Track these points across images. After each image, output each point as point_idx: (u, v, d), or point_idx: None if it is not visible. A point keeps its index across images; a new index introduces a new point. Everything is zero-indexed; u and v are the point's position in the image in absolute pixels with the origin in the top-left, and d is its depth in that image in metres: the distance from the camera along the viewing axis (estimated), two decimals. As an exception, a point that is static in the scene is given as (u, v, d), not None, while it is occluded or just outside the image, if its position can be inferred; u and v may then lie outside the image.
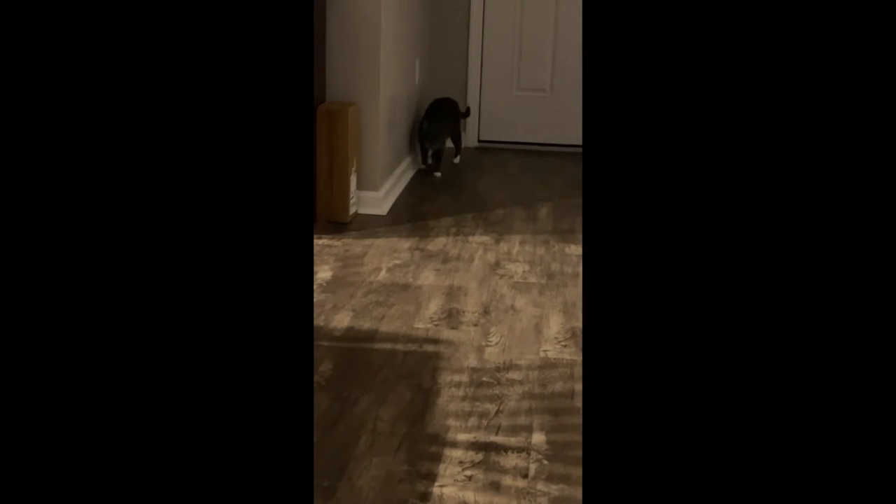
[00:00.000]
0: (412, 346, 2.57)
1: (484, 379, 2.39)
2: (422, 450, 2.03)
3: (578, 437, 2.10)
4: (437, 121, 4.42)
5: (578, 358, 2.52)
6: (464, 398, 2.28)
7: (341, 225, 3.62)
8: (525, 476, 1.94)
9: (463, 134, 4.87)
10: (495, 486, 1.90)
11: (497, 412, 2.21)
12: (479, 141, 5.18)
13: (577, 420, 2.18)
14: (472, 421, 2.17)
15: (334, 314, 2.76)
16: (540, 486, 1.90)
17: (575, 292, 3.02)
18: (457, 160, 4.70)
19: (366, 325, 2.70)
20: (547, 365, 2.48)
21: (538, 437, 2.10)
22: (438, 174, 4.48)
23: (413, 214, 3.84)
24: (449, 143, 4.61)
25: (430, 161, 4.53)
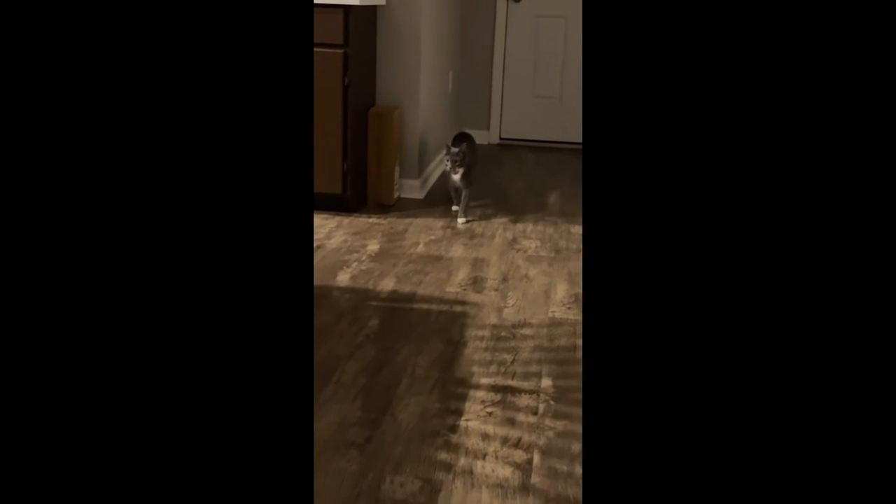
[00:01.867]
0: (444, 307, 2.57)
1: (502, 334, 2.39)
2: (451, 391, 2.04)
3: (579, 383, 2.10)
4: (460, 143, 3.45)
5: (580, 318, 2.52)
6: (486, 349, 2.28)
7: (387, 207, 3.63)
8: (535, 413, 1.95)
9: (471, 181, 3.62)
10: (511, 421, 1.91)
11: (513, 361, 2.22)
12: (500, 139, 5.16)
13: (579, 369, 2.18)
14: (493, 368, 2.17)
15: (381, 280, 2.78)
16: (547, 421, 1.91)
17: (578, 264, 3.01)
18: (462, 220, 3.47)
19: (406, 289, 2.71)
20: (554, 323, 2.48)
21: (546, 382, 2.10)
22: (463, 220, 3.45)
23: (445, 199, 3.83)
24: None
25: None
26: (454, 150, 3.36)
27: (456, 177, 3.42)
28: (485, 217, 3.55)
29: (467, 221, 3.47)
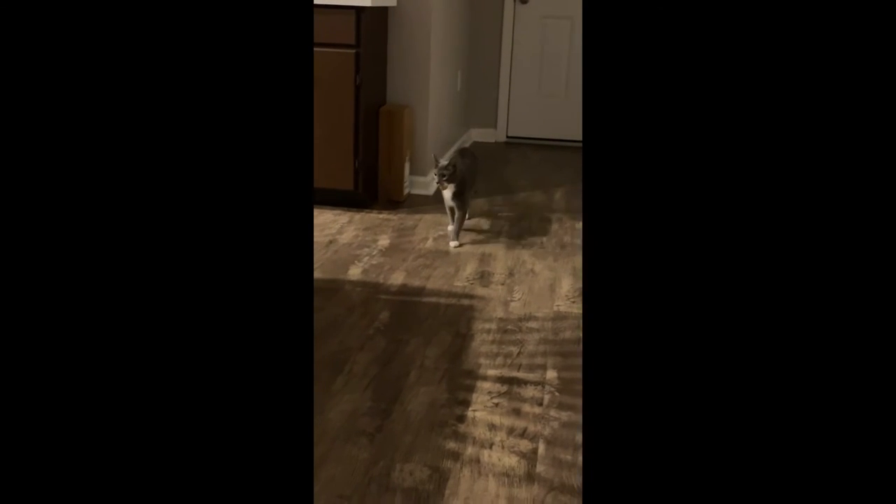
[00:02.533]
0: (452, 300, 2.58)
1: (508, 327, 2.39)
2: (459, 382, 2.05)
3: (583, 375, 2.10)
4: (456, 158, 3.08)
5: (584, 312, 2.52)
6: (492, 342, 2.29)
7: (397, 203, 3.63)
8: (540, 404, 1.95)
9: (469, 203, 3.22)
10: (517, 412, 1.91)
11: (519, 353, 2.22)
12: (507, 137, 5.16)
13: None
14: (499, 360, 2.18)
15: (391, 274, 2.78)
16: (552, 412, 1.91)
17: (582, 259, 3.00)
18: (454, 244, 3.08)
19: (416, 282, 2.71)
20: (559, 317, 2.48)
21: (551, 374, 2.11)
22: (455, 243, 3.07)
23: (454, 195, 3.83)
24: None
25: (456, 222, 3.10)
26: (443, 163, 2.98)
27: (447, 193, 3.05)
28: (492, 212, 3.55)
29: (460, 245, 3.09)
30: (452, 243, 3.07)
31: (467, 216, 3.18)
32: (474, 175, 3.21)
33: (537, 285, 2.73)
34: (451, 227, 3.11)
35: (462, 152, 3.19)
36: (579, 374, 2.10)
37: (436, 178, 2.99)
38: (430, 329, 2.35)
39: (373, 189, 3.59)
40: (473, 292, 2.65)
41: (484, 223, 3.39)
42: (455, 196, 3.05)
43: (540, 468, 1.68)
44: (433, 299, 2.58)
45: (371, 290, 2.62)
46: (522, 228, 3.35)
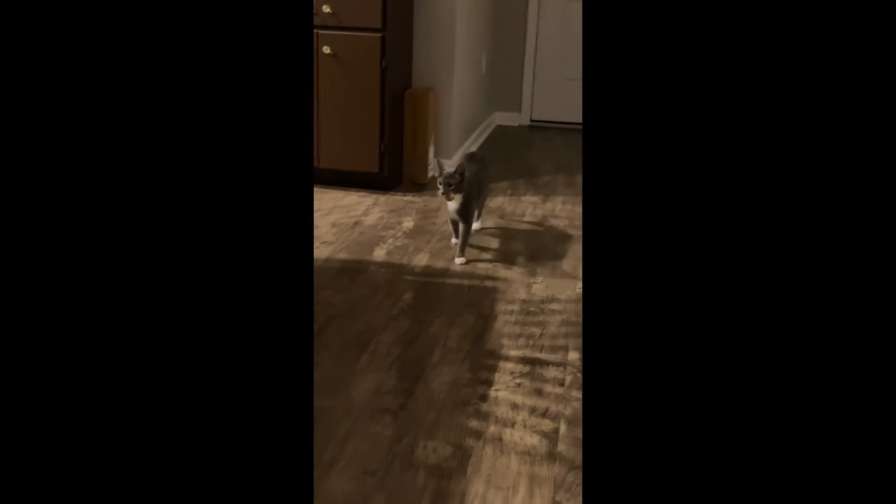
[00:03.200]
0: (475, 282, 2.58)
1: (531, 309, 2.40)
2: (482, 362, 2.06)
3: (605, 357, 2.10)
4: (468, 165, 2.69)
5: (606, 294, 2.51)
6: (515, 323, 2.29)
7: (421, 185, 3.63)
8: (562, 385, 1.96)
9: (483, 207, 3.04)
10: (538, 392, 1.92)
11: (541, 335, 2.23)
12: (531, 120, 5.14)
13: (604, 343, 2.18)
14: (522, 341, 2.18)
15: (415, 255, 2.79)
16: (573, 393, 1.92)
17: (605, 242, 2.98)
18: (460, 260, 2.70)
19: (439, 264, 2.72)
20: (581, 299, 2.47)
21: (573, 355, 2.11)
22: (461, 260, 2.69)
23: (478, 178, 3.81)
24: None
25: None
26: (448, 170, 2.62)
27: (452, 205, 2.68)
28: (515, 195, 3.54)
29: (466, 262, 2.70)
30: (458, 260, 2.70)
31: (472, 231, 2.84)
32: (483, 184, 2.90)
33: (560, 268, 2.73)
34: (454, 241, 2.79)
35: (470, 157, 2.86)
36: (601, 356, 2.10)
37: (440, 186, 2.63)
38: (453, 310, 2.36)
39: (398, 171, 3.59)
40: (496, 274, 2.65)
41: (507, 206, 3.39)
42: (461, 209, 2.68)
43: (561, 447, 1.69)
44: (456, 280, 2.58)
45: (395, 271, 2.63)
46: (546, 211, 3.34)
